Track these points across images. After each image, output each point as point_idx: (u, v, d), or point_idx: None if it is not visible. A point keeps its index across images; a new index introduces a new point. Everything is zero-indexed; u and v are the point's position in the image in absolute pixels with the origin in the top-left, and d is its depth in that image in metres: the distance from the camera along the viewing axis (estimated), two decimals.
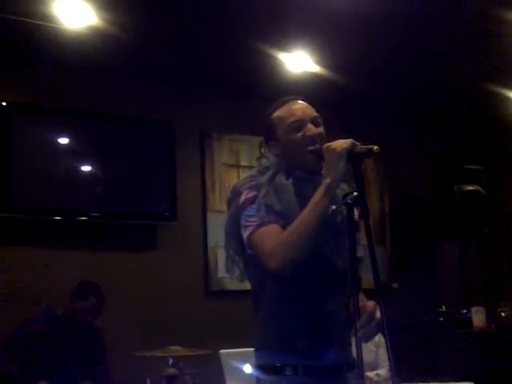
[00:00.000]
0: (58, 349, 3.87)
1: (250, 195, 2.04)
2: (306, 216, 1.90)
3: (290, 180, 2.07)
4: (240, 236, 2.04)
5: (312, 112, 2.11)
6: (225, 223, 2.13)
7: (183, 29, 4.16)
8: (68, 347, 3.92)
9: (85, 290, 3.95)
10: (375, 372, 3.98)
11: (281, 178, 2.07)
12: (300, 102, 2.14)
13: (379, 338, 1.82)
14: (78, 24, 3.93)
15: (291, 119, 2.08)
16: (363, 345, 1.82)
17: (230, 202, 2.13)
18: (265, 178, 2.08)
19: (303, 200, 1.99)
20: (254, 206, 2.01)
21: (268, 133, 2.15)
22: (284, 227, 1.95)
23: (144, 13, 3.94)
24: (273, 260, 1.90)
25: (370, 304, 1.88)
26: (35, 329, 3.88)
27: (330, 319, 2.02)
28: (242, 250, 2.08)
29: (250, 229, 1.99)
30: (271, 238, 1.94)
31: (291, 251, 1.89)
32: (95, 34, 4.03)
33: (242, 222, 2.02)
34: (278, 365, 1.98)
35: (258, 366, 2.06)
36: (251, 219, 2.00)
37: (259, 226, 1.98)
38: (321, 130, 2.08)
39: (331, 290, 2.04)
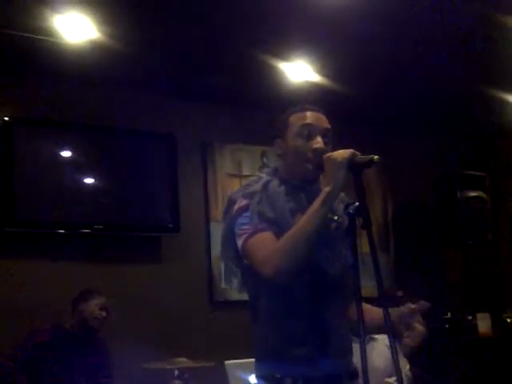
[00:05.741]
0: (65, 360, 3.87)
1: (243, 203, 2.02)
2: (303, 224, 1.89)
3: (283, 187, 2.06)
4: (236, 246, 2.03)
5: (325, 124, 2.11)
6: (221, 234, 2.13)
7: (183, 41, 4.17)
8: (75, 358, 3.92)
9: (87, 294, 4.00)
10: (394, 378, 3.95)
11: (274, 186, 2.07)
12: (316, 112, 2.13)
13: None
14: (78, 38, 3.94)
15: (302, 124, 2.08)
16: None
17: (225, 212, 2.11)
18: (258, 186, 2.07)
19: (296, 208, 2.00)
20: (246, 213, 2.00)
21: (278, 131, 2.15)
22: (277, 235, 1.94)
23: (144, 26, 3.96)
24: (267, 267, 1.88)
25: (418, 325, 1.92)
26: (43, 340, 3.89)
27: (328, 328, 2.01)
28: (239, 259, 2.06)
29: (244, 237, 1.97)
30: (265, 245, 1.93)
31: (286, 258, 1.87)
32: (96, 47, 4.04)
33: (236, 231, 2.01)
34: (278, 376, 1.98)
35: (259, 377, 2.06)
36: (244, 227, 1.98)
37: (252, 233, 1.96)
38: (328, 147, 2.06)
39: (328, 298, 2.03)
